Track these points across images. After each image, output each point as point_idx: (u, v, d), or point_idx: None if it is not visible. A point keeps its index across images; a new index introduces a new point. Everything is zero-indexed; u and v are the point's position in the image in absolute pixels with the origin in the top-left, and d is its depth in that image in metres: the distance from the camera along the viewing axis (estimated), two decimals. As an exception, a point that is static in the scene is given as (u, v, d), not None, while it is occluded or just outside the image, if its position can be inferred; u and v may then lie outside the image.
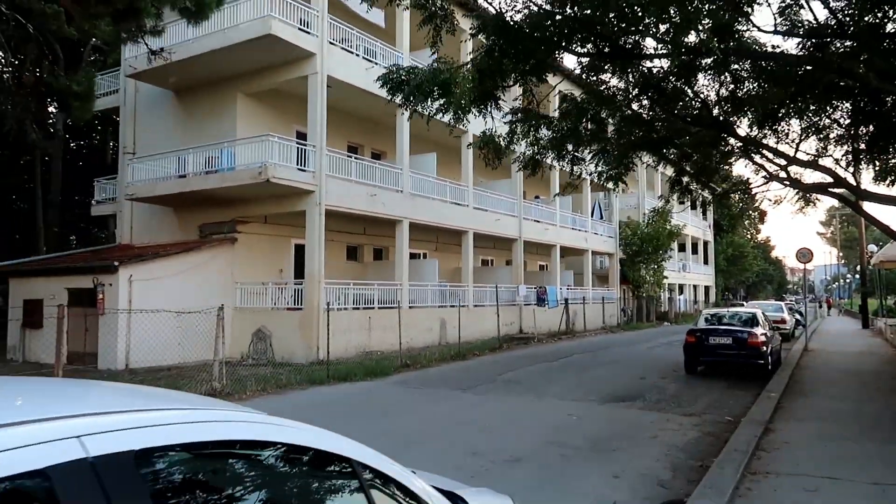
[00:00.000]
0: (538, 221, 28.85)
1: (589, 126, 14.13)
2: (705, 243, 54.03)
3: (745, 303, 43.02)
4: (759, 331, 14.30)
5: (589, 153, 14.60)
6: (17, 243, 28.78)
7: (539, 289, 27.51)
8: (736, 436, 8.04)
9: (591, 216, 34.11)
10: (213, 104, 19.56)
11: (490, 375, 14.24)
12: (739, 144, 15.88)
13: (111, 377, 14.95)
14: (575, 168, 14.55)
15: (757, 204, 34.83)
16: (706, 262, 54.33)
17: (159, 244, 19.51)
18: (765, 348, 14.01)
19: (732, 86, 14.41)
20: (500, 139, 11.21)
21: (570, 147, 13.34)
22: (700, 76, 14.52)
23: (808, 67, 10.72)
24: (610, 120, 14.91)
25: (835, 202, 42.07)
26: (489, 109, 10.45)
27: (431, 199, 22.03)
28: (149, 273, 16.84)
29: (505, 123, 12.34)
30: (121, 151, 21.76)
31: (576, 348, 21.09)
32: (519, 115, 11.71)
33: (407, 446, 7.74)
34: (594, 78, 14.09)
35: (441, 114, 10.61)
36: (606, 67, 14.69)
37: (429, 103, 9.95)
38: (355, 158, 19.30)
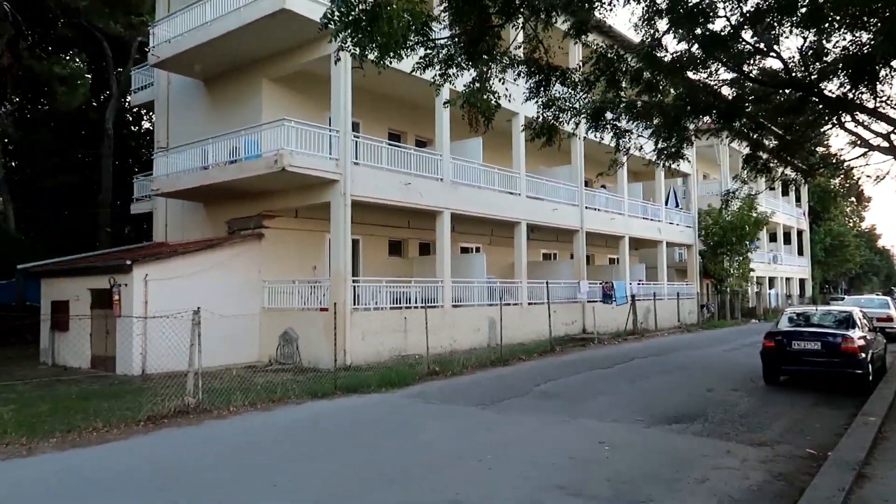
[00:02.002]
0: (603, 210, 26.40)
1: (637, 94, 11.95)
2: (799, 232, 49.43)
3: (844, 297, 38.75)
4: (855, 333, 11.64)
5: (636, 124, 12.38)
6: (79, 245, 28.98)
7: (605, 284, 25.12)
8: (814, 487, 5.82)
9: (666, 205, 31.20)
10: (238, 91, 18.44)
11: (525, 386, 12.27)
12: (828, 110, 13.23)
13: (124, 383, 13.98)
14: (621, 142, 12.32)
15: (855, 181, 30.79)
16: (801, 252, 49.73)
17: (189, 241, 18.58)
18: (862, 355, 11.36)
19: (818, 37, 11.89)
20: (489, 95, 9.22)
21: (609, 115, 11.16)
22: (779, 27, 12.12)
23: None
24: (665, 87, 12.67)
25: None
26: (480, 57, 8.46)
27: (477, 188, 20.15)
28: (166, 272, 15.81)
29: (499, 78, 10.19)
30: (155, 146, 21.08)
31: (640, 351, 18.71)
32: (524, 66, 9.58)
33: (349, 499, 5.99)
34: (648, 34, 11.91)
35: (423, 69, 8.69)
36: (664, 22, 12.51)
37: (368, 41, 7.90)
38: (387, 144, 17.67)
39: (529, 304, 21.60)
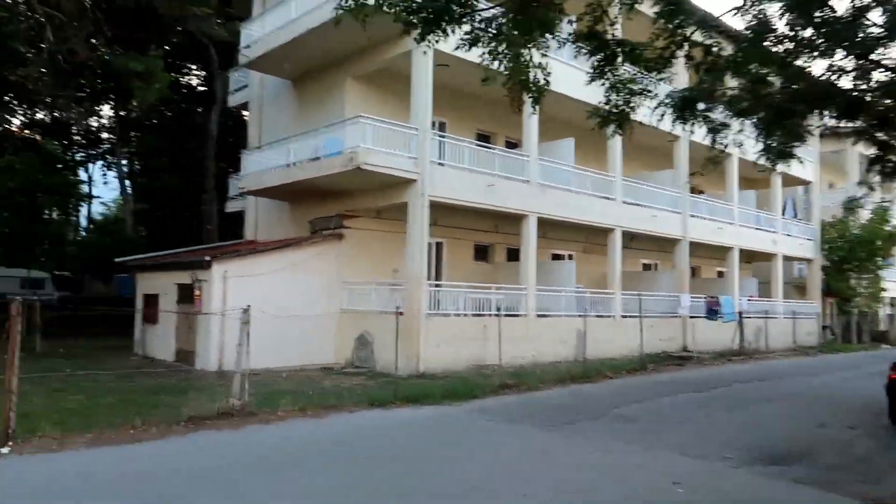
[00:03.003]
0: (710, 219, 24.37)
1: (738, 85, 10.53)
2: (944, 249, 44.13)
3: None
4: None
5: (737, 119, 10.91)
6: (185, 242, 30.26)
7: (710, 299, 23.16)
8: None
9: (783, 215, 28.53)
10: (324, 90, 18.34)
11: (603, 407, 11.09)
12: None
13: (197, 379, 14.02)
14: (717, 138, 10.90)
15: None
16: (945, 272, 44.38)
17: (272, 240, 18.64)
18: None
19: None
20: (538, 70, 8.12)
21: (701, 107, 9.81)
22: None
23: None
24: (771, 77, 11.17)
25: None
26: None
27: (567, 191, 18.99)
28: (246, 269, 15.79)
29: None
30: (248, 146, 21.42)
31: (744, 374, 16.87)
32: (585, 41, 8.40)
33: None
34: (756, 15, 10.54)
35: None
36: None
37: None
38: (468, 143, 16.91)
39: (623, 316, 20.13)
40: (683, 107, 9.75)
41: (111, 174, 41.85)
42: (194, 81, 35.90)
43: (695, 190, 27.76)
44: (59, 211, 26.61)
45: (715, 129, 10.68)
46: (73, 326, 24.04)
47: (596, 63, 8.52)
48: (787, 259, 28.99)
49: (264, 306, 15.32)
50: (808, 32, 11.91)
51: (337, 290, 17.10)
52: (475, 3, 6.92)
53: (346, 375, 14.94)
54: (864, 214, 30.82)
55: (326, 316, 16.61)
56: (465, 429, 9.33)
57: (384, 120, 15.31)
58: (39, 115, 36.75)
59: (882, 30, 11.84)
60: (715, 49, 10.78)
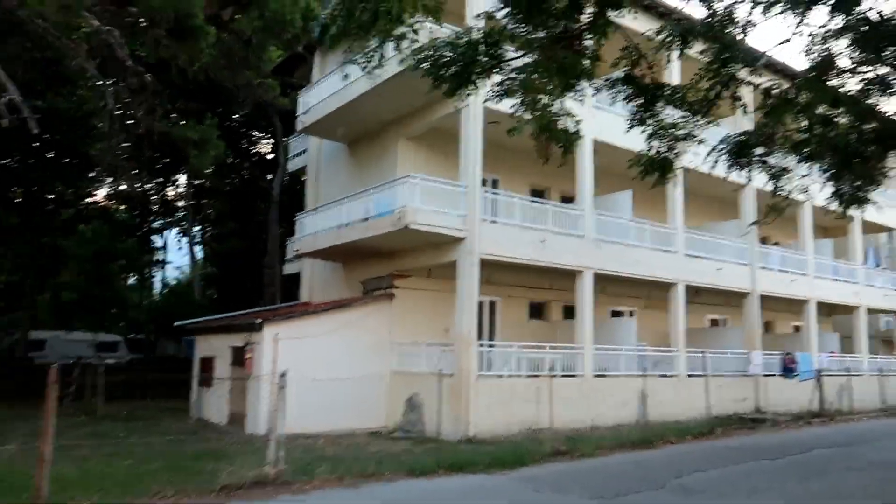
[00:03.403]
0: (781, 270, 23.09)
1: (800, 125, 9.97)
2: None
3: None
4: None
5: (802, 162, 10.29)
6: (249, 304, 30.96)
7: (786, 356, 21.72)
8: None
9: (864, 263, 26.79)
10: (378, 152, 18.60)
11: (664, 477, 10.28)
12: None
13: (246, 443, 13.91)
14: (779, 184, 10.27)
15: None
16: None
17: (325, 302, 18.72)
18: None
19: None
20: (567, 118, 7.79)
21: (759, 151, 9.27)
22: None
23: None
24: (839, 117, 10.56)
25: None
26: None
27: (624, 245, 18.38)
28: (297, 331, 15.78)
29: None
30: (306, 209, 21.85)
31: (824, 439, 15.50)
32: (623, 85, 8.03)
33: None
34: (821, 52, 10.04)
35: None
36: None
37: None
38: (519, 198, 16.66)
39: (689, 375, 19.04)
40: (739, 152, 9.25)
41: (184, 240, 44.02)
42: (266, 149, 37.55)
43: (766, 240, 26.56)
44: (128, 275, 27.78)
45: (776, 175, 10.08)
46: (140, 388, 24.67)
47: (635, 108, 8.18)
48: (872, 311, 27.05)
49: (314, 368, 15.30)
50: (882, 70, 11.32)
51: (387, 352, 16.88)
52: (503, 52, 6.79)
53: (394, 440, 14.54)
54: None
55: (376, 378, 16.37)
56: (510, 501, 8.76)
57: (433, 178, 15.31)
58: (123, 187, 39.64)
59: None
60: (775, 90, 10.31)
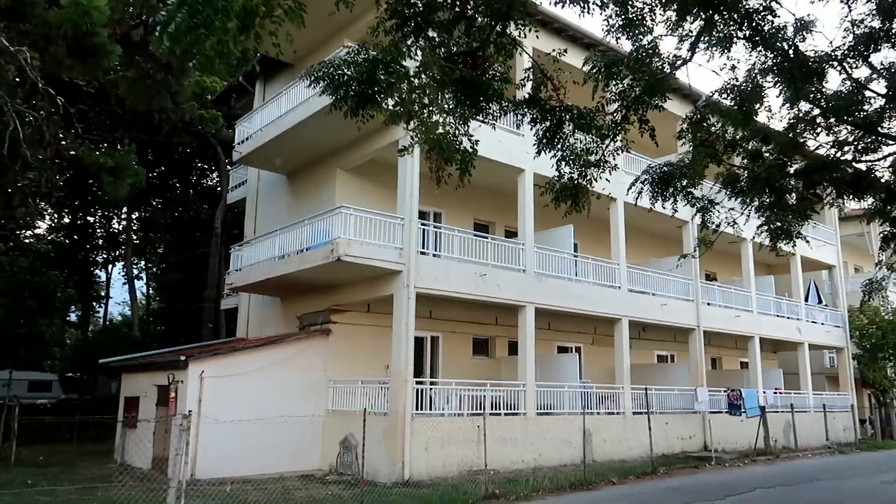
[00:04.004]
0: (725, 306, 23.16)
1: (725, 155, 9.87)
2: None
3: None
4: None
5: (733, 197, 10.19)
6: (187, 339, 29.78)
7: (731, 392, 21.58)
8: None
9: (806, 301, 27.14)
10: (316, 184, 18.12)
11: (596, 522, 9.80)
12: None
13: (161, 490, 12.95)
14: (706, 217, 10.12)
15: None
16: None
17: (257, 338, 17.94)
18: None
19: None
20: (455, 135, 7.48)
21: (682, 184, 9.09)
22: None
23: None
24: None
25: None
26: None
27: (567, 280, 18.15)
28: (225, 369, 15.00)
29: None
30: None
31: (768, 478, 15.25)
32: (529, 107, 7.76)
33: None
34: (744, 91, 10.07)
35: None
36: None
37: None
38: (459, 231, 16.31)
39: (634, 413, 18.71)
40: (662, 183, 9.04)
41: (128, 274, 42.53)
42: (214, 181, 36.71)
43: (712, 277, 26.77)
44: (56, 312, 26.42)
45: (703, 209, 9.92)
46: (68, 430, 23.26)
47: (542, 132, 7.88)
48: (815, 348, 27.31)
49: (244, 408, 14.48)
50: (807, 107, 11.39)
51: (323, 390, 16.17)
52: (404, 70, 6.46)
53: (325, 484, 13.78)
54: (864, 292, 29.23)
55: (311, 417, 15.60)
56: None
57: (367, 210, 14.86)
58: (66, 220, 38.36)
59: (885, 101, 11.26)
60: (698, 121, 10.23)
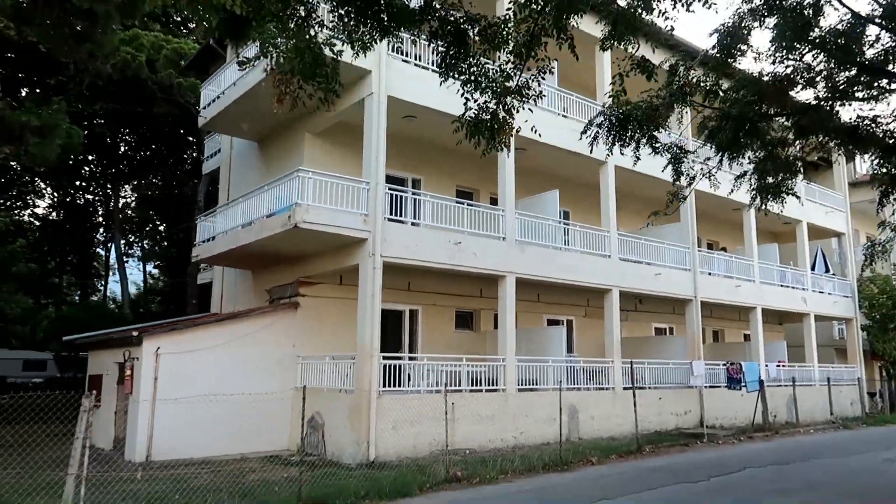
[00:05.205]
0: (726, 276, 22.03)
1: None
2: None
3: None
4: None
5: (719, 152, 9.08)
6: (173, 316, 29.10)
7: (730, 365, 20.55)
8: None
9: (812, 270, 25.91)
10: (285, 149, 17.13)
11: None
12: None
13: (121, 469, 12.24)
14: (680, 168, 9.02)
15: None
16: None
17: (223, 313, 17.11)
18: None
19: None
20: (320, 46, 6.37)
21: (644, 128, 7.95)
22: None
23: None
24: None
25: None
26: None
27: (552, 249, 17.10)
28: (182, 345, 14.18)
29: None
30: (217, 213, 20.27)
31: (761, 456, 14.27)
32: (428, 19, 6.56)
33: None
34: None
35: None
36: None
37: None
38: (431, 196, 15.27)
39: (625, 388, 17.72)
40: (621, 126, 7.92)
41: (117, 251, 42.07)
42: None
43: (712, 246, 25.58)
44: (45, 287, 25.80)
45: (676, 158, 8.80)
46: (52, 410, 22.72)
47: (443, 49, 6.70)
48: (822, 319, 26.14)
49: (204, 386, 13.69)
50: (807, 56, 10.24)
51: (292, 366, 15.33)
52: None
53: (287, 465, 12.96)
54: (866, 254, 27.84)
55: (277, 395, 14.77)
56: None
57: (328, 173, 13.84)
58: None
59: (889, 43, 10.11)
60: (675, 65, 9.10)
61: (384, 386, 13.62)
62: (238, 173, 19.53)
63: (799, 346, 25.17)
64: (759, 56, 9.83)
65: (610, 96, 7.67)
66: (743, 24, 9.58)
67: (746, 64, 9.31)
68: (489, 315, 19.11)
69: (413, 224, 14.78)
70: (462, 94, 7.30)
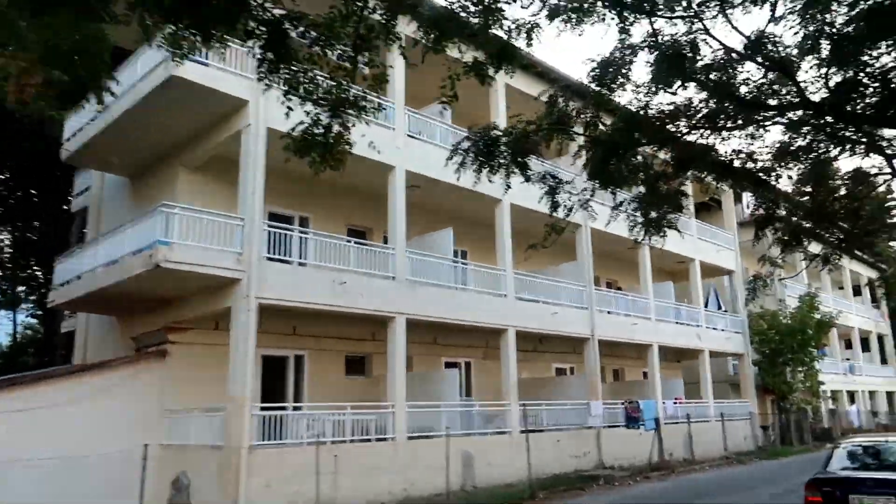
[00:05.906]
0: (623, 314, 22.12)
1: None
2: (880, 337, 43.09)
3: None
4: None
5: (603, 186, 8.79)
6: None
7: (628, 404, 20.42)
8: None
9: (705, 307, 26.56)
10: (157, 186, 15.84)
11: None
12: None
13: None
14: (556, 199, 8.65)
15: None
16: (884, 361, 43.09)
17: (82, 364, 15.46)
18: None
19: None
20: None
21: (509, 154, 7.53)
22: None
23: None
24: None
25: None
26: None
27: (444, 288, 16.51)
28: (26, 402, 12.50)
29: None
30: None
31: (655, 497, 13.93)
32: None
33: None
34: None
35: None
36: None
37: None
38: (313, 234, 14.43)
39: (522, 432, 17.13)
40: (488, 152, 7.46)
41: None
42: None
43: (611, 285, 25.80)
44: None
45: (552, 189, 8.43)
46: None
47: (261, 51, 6.00)
48: (716, 355, 26.73)
49: (51, 446, 12.07)
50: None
51: (157, 421, 13.84)
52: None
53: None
54: (793, 303, 29.20)
55: (133, 454, 13.19)
56: None
57: (197, 209, 12.77)
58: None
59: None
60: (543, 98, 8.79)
61: (262, 440, 12.47)
62: (109, 212, 17.98)
63: (695, 383, 25.54)
64: (637, 89, 9.72)
65: (440, 101, 7.19)
66: (623, 57, 9.47)
67: (628, 97, 9.07)
68: (382, 359, 18.06)
69: (300, 264, 13.83)
70: (283, 104, 6.59)
